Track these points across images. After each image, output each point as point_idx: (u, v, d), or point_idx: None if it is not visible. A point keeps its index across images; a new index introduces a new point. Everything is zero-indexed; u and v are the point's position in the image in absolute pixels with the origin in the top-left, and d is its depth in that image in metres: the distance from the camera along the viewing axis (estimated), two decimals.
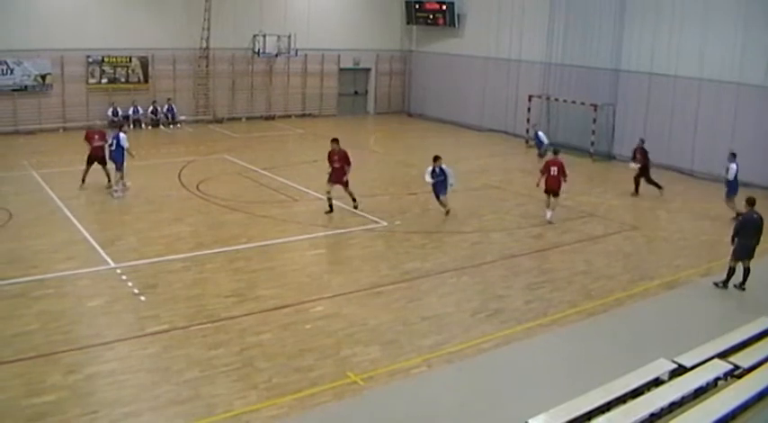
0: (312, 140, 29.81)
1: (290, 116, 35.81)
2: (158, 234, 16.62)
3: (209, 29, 32.42)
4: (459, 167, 24.66)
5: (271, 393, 9.78)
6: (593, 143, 28.22)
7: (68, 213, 17.96)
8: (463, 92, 35.37)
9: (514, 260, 15.93)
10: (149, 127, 31.69)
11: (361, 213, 18.65)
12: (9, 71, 29.04)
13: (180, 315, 12.22)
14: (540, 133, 28.35)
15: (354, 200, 18.91)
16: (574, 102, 28.87)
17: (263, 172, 23.30)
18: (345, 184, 18.67)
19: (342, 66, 37.56)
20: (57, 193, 19.76)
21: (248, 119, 34.46)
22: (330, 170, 18.54)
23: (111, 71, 31.43)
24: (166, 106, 32.31)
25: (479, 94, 34.42)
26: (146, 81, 32.19)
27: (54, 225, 17.14)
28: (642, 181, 22.03)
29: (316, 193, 20.47)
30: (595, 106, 28.00)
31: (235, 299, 12.99)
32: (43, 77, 29.81)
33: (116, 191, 19.81)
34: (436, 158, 18.56)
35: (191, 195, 20.21)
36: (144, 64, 31.99)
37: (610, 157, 28.21)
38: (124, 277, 13.76)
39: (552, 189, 18.58)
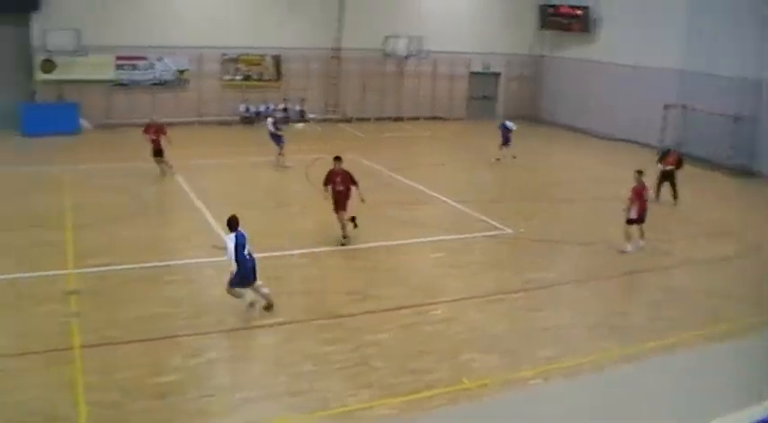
0: (440, 144, 29.97)
1: (418, 118, 36.13)
2: (283, 228, 17.18)
3: (341, 29, 33.27)
4: (583, 176, 24.19)
5: (384, 393, 9.91)
6: (729, 157, 26.92)
7: (198, 203, 18.87)
8: (594, 99, 34.52)
9: (639, 276, 15.45)
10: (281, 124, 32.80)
11: (486, 219, 18.57)
12: (150, 66, 30.92)
13: (299, 309, 12.60)
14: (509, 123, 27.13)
15: (344, 229, 16.24)
16: (711, 112, 27.55)
17: (389, 173, 23.62)
18: (344, 208, 16.17)
19: (472, 69, 37.57)
20: (189, 183, 20.80)
21: (377, 119, 35.02)
22: (332, 194, 16.07)
23: (246, 69, 32.80)
24: (297, 104, 33.36)
25: (611, 102, 33.45)
26: (278, 79, 33.38)
27: (185, 214, 18.08)
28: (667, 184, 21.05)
29: (441, 197, 20.59)
30: (735, 118, 26.72)
31: (354, 297, 13.26)
32: (181, 73, 31.53)
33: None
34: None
35: (316, 192, 20.72)
36: (277, 62, 33.19)
37: (748, 172, 26.75)
38: None
39: (639, 217, 16.63)
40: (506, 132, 26.19)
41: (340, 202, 16.02)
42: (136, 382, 9.82)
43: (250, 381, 10.13)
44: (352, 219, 16.39)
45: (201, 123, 31.59)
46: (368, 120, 34.82)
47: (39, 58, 29.01)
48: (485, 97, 38.59)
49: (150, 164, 21.69)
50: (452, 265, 15.59)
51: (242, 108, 32.39)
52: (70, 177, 21.37)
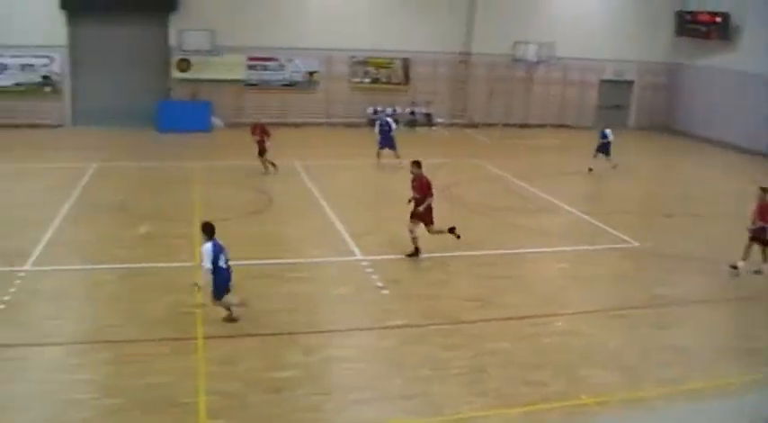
0: (568, 152, 29.31)
1: (545, 126, 35.47)
2: (405, 231, 17.21)
3: (470, 33, 33.17)
4: (715, 190, 23.04)
5: (500, 402, 9.75)
6: None
7: (323, 203, 19.21)
8: (734, 110, 32.76)
9: None
10: (407, 127, 32.99)
11: (612, 230, 17.96)
12: (281, 67, 31.80)
13: (418, 313, 12.58)
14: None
15: (414, 242, 15.28)
16: None
17: (514, 180, 23.30)
18: (427, 222, 15.21)
19: (603, 77, 36.55)
20: (314, 183, 21.24)
21: (504, 125, 34.63)
22: (411, 201, 15.25)
23: (374, 71, 33.20)
24: (424, 108, 33.48)
25: (751, 114, 31.68)
26: (406, 82, 33.60)
27: (309, 213, 18.46)
28: None
29: (566, 206, 20.13)
30: None
31: (475, 303, 13.12)
32: (311, 74, 32.26)
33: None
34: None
35: (441, 197, 20.71)
36: (405, 66, 33.41)
37: None
38: (369, 270, 14.42)
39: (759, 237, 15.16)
40: (604, 141, 25.25)
41: (414, 210, 15.09)
42: (254, 375, 10.08)
43: (365, 381, 10.19)
44: (451, 229, 15.70)
45: (330, 125, 32.21)
46: (494, 125, 34.46)
47: (175, 57, 30.40)
48: (616, 106, 37.40)
49: (275, 161, 22.30)
50: (576, 276, 15.19)
51: (370, 110, 32.79)
52: (201, 174, 22.26)
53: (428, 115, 33.56)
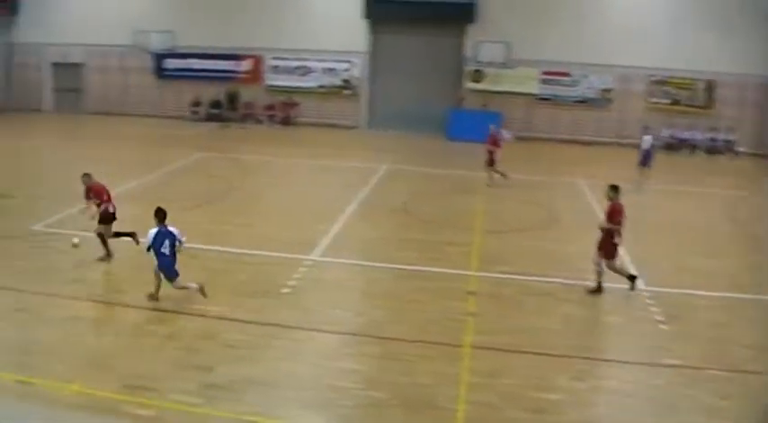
0: None
1: None
2: (691, 265, 16.10)
3: None
4: None
5: None
6: None
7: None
8: None
9: None
10: (706, 154, 31.00)
11: None
12: (574, 83, 31.28)
13: (696, 354, 11.64)
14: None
15: (598, 276, 13.81)
16: None
17: None
18: (606, 254, 13.63)
19: None
20: (600, 205, 20.52)
21: None
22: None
23: (674, 92, 31.52)
24: (727, 134, 31.17)
25: None
26: (709, 106, 31.48)
27: (589, 233, 17.82)
28: None
29: None
30: None
31: (756, 352, 11.89)
32: (605, 92, 31.36)
33: None
34: None
35: (732, 231, 19.21)
36: (709, 88, 31.32)
37: None
38: (650, 301, 13.61)
39: None
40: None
41: (600, 241, 13.73)
42: (516, 392, 9.90)
43: (631, 419, 9.60)
44: (632, 277, 13.89)
45: (620, 145, 31.01)
46: None
47: (469, 68, 31.08)
48: None
49: (560, 178, 21.94)
50: None
51: (665, 133, 31.15)
52: (485, 184, 22.50)
53: (730, 142, 31.19)
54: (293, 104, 32.90)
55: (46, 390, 9.58)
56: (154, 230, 12.33)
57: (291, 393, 9.75)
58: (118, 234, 14.73)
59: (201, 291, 12.50)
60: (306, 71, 32.74)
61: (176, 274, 12.34)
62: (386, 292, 13.51)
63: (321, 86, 32.56)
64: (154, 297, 12.55)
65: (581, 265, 15.35)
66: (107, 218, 14.51)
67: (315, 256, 15.12)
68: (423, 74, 31.85)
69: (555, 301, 13.38)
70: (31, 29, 35.85)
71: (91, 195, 14.52)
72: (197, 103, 34.07)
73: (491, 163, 22.51)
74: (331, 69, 32.47)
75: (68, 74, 36.22)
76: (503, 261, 15.37)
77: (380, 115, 32.43)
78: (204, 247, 15.40)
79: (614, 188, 13.93)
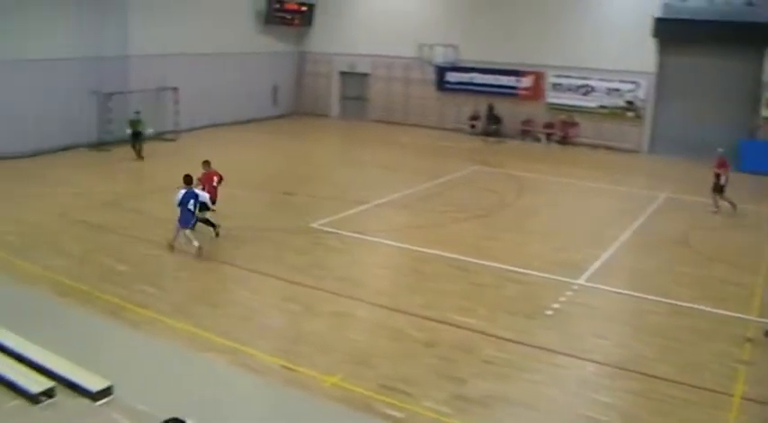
0: None
1: None
2: None
3: None
4: None
5: None
6: None
7: None
8: None
9: None
10: None
11: None
12: None
13: None
14: None
15: None
16: None
17: None
18: None
19: None
20: None
21: None
22: None
23: None
24: None
25: None
26: None
27: None
28: None
29: None
30: None
31: None
32: None
33: None
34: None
35: None
36: None
37: None
38: None
39: None
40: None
41: None
42: None
43: None
44: None
45: None
46: None
47: (767, 94, 28.77)
48: None
49: None
50: None
51: None
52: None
53: None
54: (573, 124, 32.51)
55: (307, 378, 10.46)
56: (183, 190, 15.52)
57: (541, 417, 9.78)
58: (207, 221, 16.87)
59: (199, 251, 15.31)
60: (588, 90, 32.22)
61: (191, 226, 15.57)
62: (654, 326, 13.03)
63: (602, 107, 31.82)
64: (171, 246, 15.80)
65: None
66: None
67: (583, 280, 14.96)
68: (712, 98, 29.94)
69: None
70: (322, 40, 38.72)
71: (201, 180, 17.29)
72: (475, 117, 34.81)
73: (718, 189, 21.06)
74: (615, 89, 31.64)
75: (355, 83, 38.63)
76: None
77: (663, 140, 31.00)
78: (471, 259, 15.86)
79: None
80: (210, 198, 16.56)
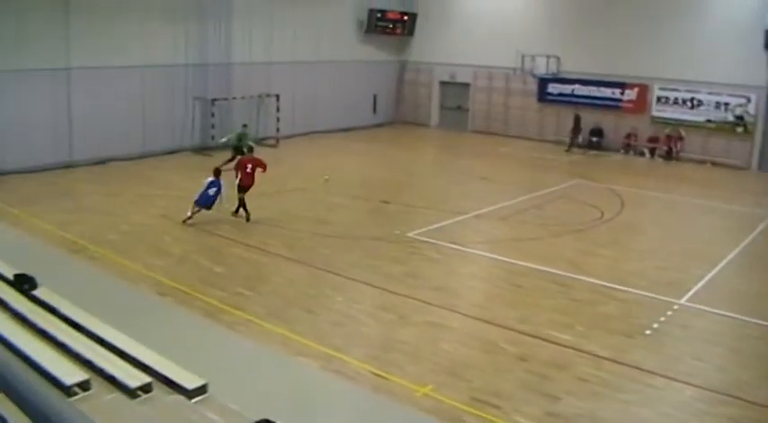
0: None
1: None
2: None
3: None
4: None
5: None
6: None
7: None
8: None
9: None
10: None
11: None
12: None
13: None
14: None
15: None
16: None
17: None
18: None
19: None
20: None
21: None
22: None
23: None
24: None
25: None
26: None
27: None
28: None
29: None
30: None
31: None
32: None
33: None
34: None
35: None
36: None
37: None
38: None
39: None
40: None
41: None
42: None
43: None
44: None
45: None
46: None
47: None
48: None
49: None
50: None
51: None
52: None
53: None
54: (679, 138, 31.53)
55: (398, 387, 10.44)
56: (211, 178, 18.08)
57: None
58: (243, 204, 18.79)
59: (191, 215, 18.08)
60: (696, 104, 31.19)
61: (207, 207, 18.08)
62: (758, 351, 12.46)
63: (709, 121, 30.71)
64: (186, 221, 18.11)
65: None
66: (241, 187, 18.66)
67: (684, 300, 14.45)
68: None
69: None
70: (423, 49, 38.75)
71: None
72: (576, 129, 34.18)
73: None
74: (724, 103, 30.52)
75: (455, 92, 38.50)
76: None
77: None
78: (569, 275, 15.57)
79: None
80: (243, 184, 18.54)
